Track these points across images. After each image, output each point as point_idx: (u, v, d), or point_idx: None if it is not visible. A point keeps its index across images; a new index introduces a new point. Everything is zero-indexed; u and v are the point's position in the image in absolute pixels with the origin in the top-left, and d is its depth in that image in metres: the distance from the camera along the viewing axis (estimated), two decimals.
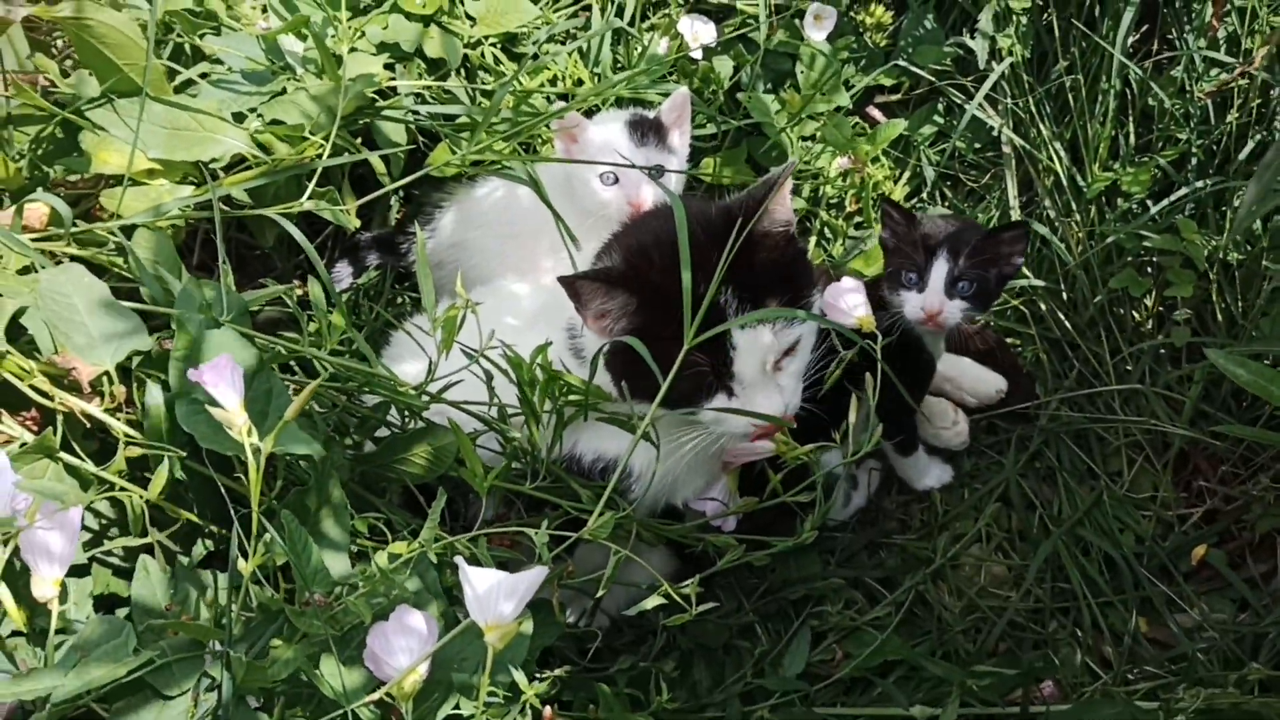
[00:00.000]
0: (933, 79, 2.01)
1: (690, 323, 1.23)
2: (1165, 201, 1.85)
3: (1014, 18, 1.92)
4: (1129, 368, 1.84)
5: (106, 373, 1.23)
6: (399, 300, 2.07)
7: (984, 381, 1.85)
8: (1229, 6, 1.82)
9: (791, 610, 1.72)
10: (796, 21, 1.96)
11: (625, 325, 1.31)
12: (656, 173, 1.71)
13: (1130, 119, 1.93)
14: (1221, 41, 1.89)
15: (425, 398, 1.39)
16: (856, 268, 1.96)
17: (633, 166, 1.63)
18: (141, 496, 1.09)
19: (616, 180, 1.70)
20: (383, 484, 1.45)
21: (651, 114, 1.77)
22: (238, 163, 1.53)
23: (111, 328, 1.23)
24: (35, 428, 1.27)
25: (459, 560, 1.02)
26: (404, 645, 1.06)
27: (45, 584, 1.03)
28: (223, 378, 1.08)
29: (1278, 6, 1.86)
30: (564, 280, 1.29)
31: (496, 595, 1.01)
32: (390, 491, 1.47)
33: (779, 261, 1.35)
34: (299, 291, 2.01)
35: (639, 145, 1.72)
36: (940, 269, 1.56)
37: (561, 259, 1.77)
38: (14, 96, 1.39)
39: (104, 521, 1.27)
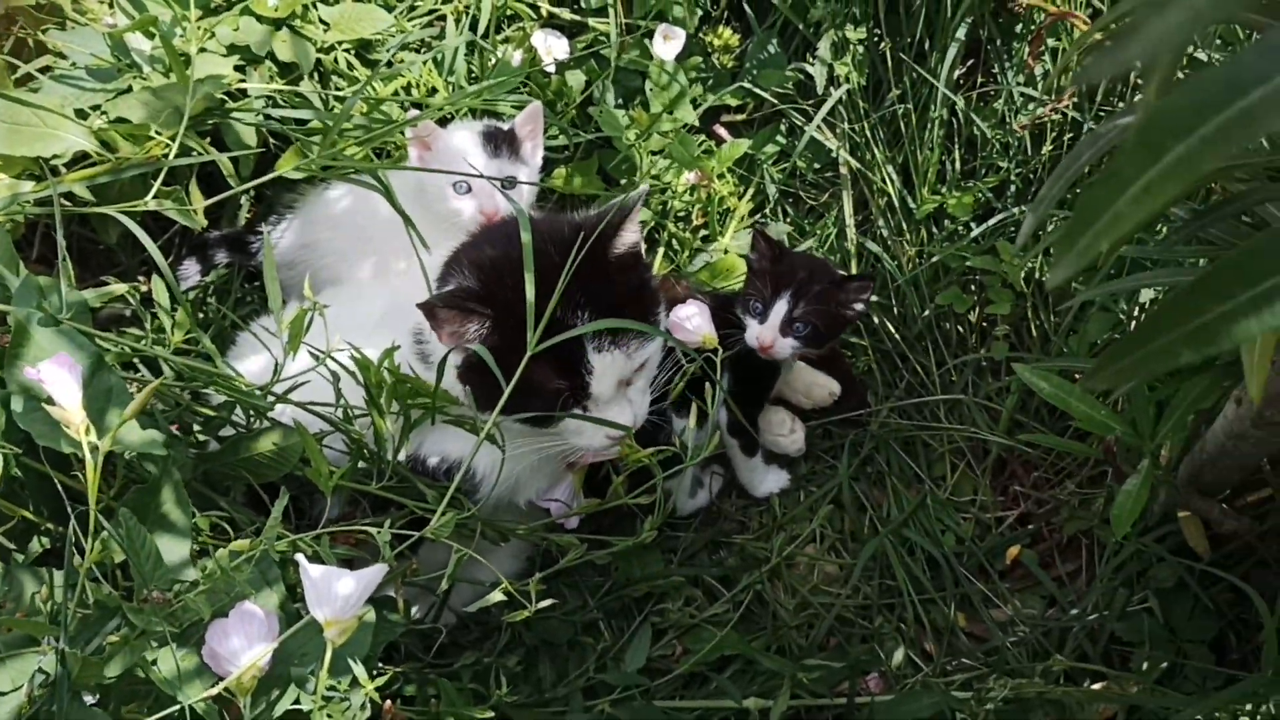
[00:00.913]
0: (775, 101, 2.10)
1: (534, 329, 1.28)
2: (986, 225, 1.96)
3: (850, 47, 2.02)
4: (953, 379, 1.95)
5: None
6: (248, 300, 2.06)
7: (818, 385, 1.94)
8: (1044, 47, 1.95)
9: (634, 607, 1.77)
10: (646, 41, 2.02)
11: (479, 341, 1.35)
12: (509, 183, 1.75)
13: (956, 146, 2.05)
14: (1038, 78, 2.02)
15: (270, 398, 1.40)
16: (702, 278, 2.04)
17: (484, 177, 1.67)
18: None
19: (470, 189, 1.74)
20: (227, 483, 1.46)
21: (505, 126, 1.81)
22: (81, 159, 1.51)
23: None
24: None
25: (299, 557, 1.04)
26: (243, 640, 1.07)
27: None
28: (60, 376, 1.08)
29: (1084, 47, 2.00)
30: (423, 306, 1.33)
31: (335, 591, 1.04)
32: (235, 490, 1.47)
33: (629, 282, 1.42)
34: (144, 289, 2.00)
35: (492, 156, 1.76)
36: (781, 308, 1.72)
37: (412, 263, 1.79)
38: None
39: None
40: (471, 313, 1.33)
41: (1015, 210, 1.95)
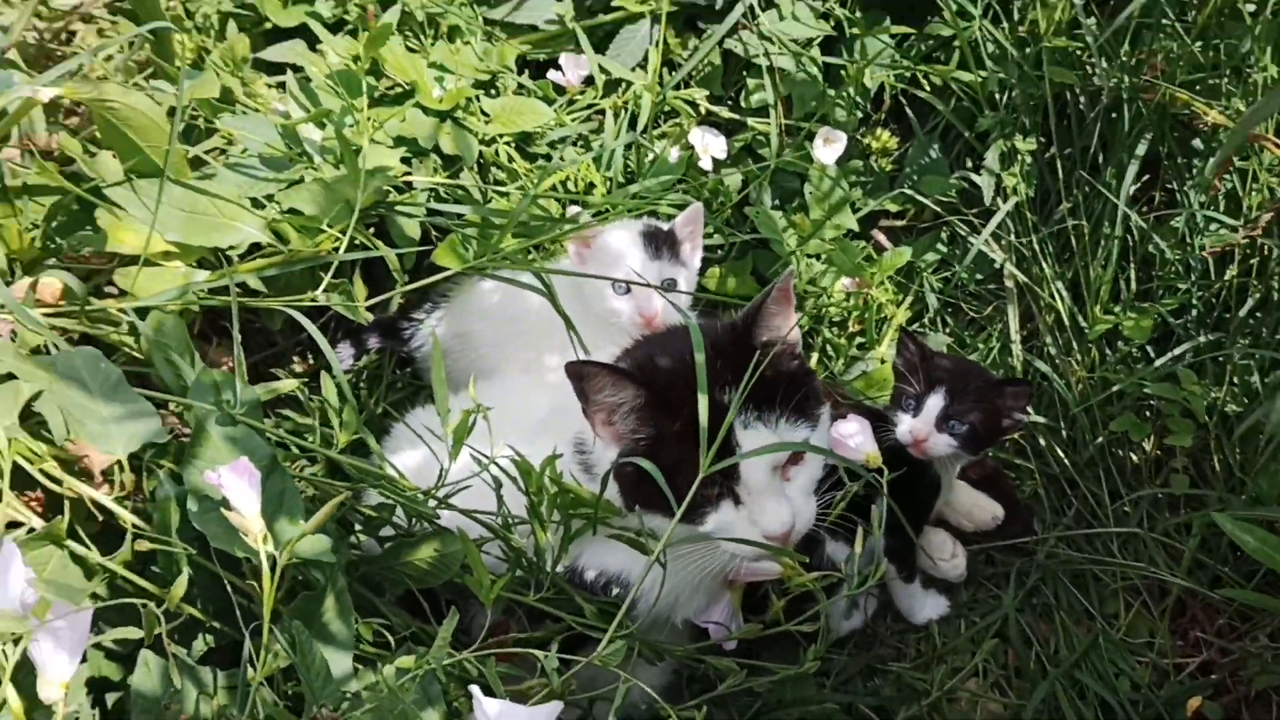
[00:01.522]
0: (937, 209, 2.03)
1: (707, 447, 1.21)
2: (1167, 357, 1.86)
3: (1019, 157, 1.95)
4: (1128, 510, 1.84)
5: (118, 461, 1.18)
6: (398, 385, 2.04)
7: (980, 507, 1.85)
8: (1231, 168, 1.87)
9: None
10: (806, 142, 1.98)
11: (632, 424, 1.30)
12: (668, 285, 1.70)
13: (1131, 265, 1.95)
14: (1221, 198, 1.93)
15: (434, 503, 1.36)
16: (858, 387, 1.96)
17: (646, 284, 1.63)
18: (159, 607, 1.03)
19: (628, 290, 1.69)
20: (383, 582, 1.41)
21: (665, 226, 1.77)
22: (253, 248, 1.50)
23: (125, 416, 1.18)
24: (40, 509, 1.22)
25: (474, 690, 0.98)
26: None
27: (52, 686, 0.97)
28: (240, 484, 1.05)
29: (1276, 169, 1.91)
30: (570, 366, 1.28)
31: None
32: (390, 591, 1.42)
33: (784, 373, 1.35)
34: (298, 368, 1.98)
35: (652, 257, 1.72)
36: (935, 403, 1.63)
37: (567, 357, 1.75)
38: (36, 171, 1.35)
39: (101, 602, 1.21)
40: (623, 379, 1.27)
41: (1199, 339, 1.85)
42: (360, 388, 1.95)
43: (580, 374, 1.28)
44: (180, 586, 1.03)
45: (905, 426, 1.64)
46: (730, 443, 1.27)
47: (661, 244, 1.74)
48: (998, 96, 2.00)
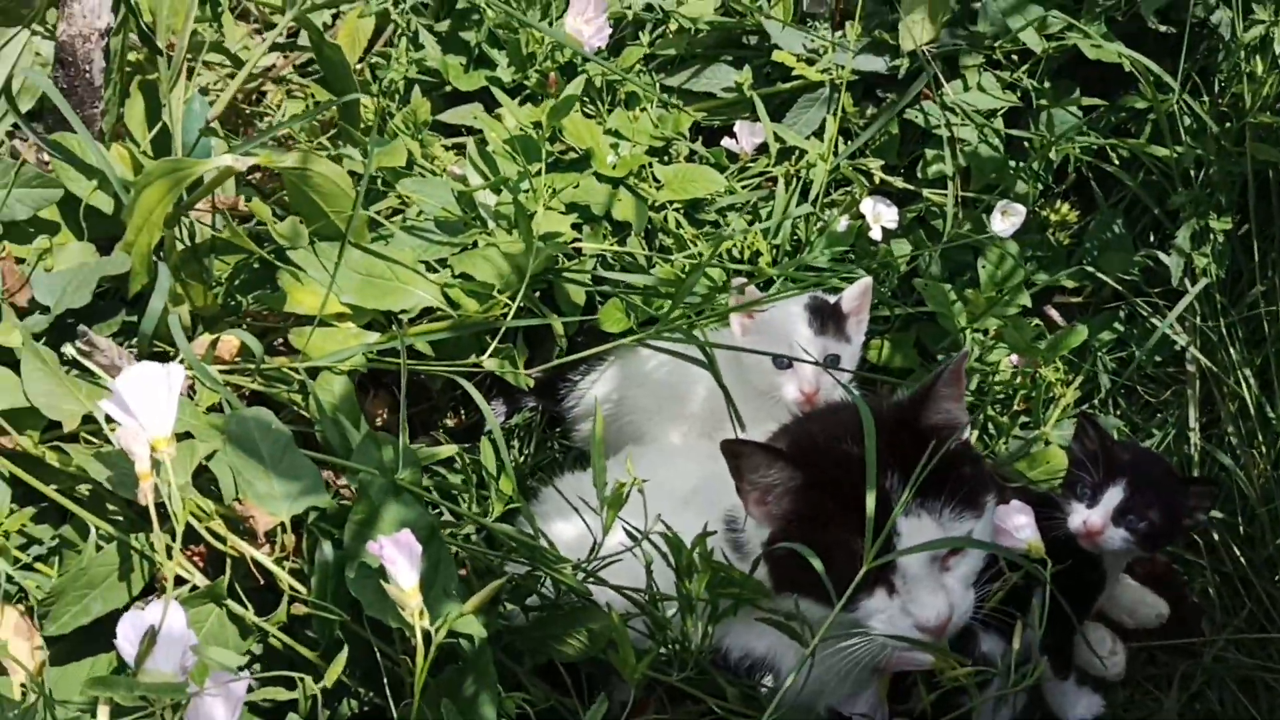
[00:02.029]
0: (1118, 287, 1.95)
1: (871, 540, 1.19)
2: None
3: (1212, 236, 1.86)
4: None
5: (281, 522, 1.23)
6: (548, 444, 2.07)
7: (1145, 604, 1.76)
8: None
9: None
10: (983, 215, 1.93)
11: (787, 506, 1.28)
12: (831, 362, 1.68)
13: None
14: None
15: (583, 575, 1.37)
16: (1020, 469, 1.90)
17: (810, 361, 1.61)
18: (309, 668, 1.07)
19: (790, 366, 1.68)
20: (524, 652, 1.42)
21: (832, 299, 1.74)
22: (424, 311, 1.54)
23: (293, 479, 1.23)
24: (201, 563, 1.27)
25: None
26: None
27: None
28: (402, 555, 1.07)
29: None
30: (726, 444, 1.27)
31: None
32: (530, 659, 1.44)
33: (951, 459, 1.30)
34: (450, 422, 2.03)
35: (818, 332, 1.70)
36: (1114, 495, 1.56)
37: (721, 431, 1.75)
38: (227, 234, 1.43)
39: (250, 655, 1.26)
40: (778, 459, 1.26)
41: None
42: (511, 445, 1.98)
43: (736, 452, 1.28)
44: (339, 664, 1.07)
45: (1079, 517, 1.57)
46: (890, 532, 1.25)
47: (827, 318, 1.72)
48: (1192, 173, 1.91)
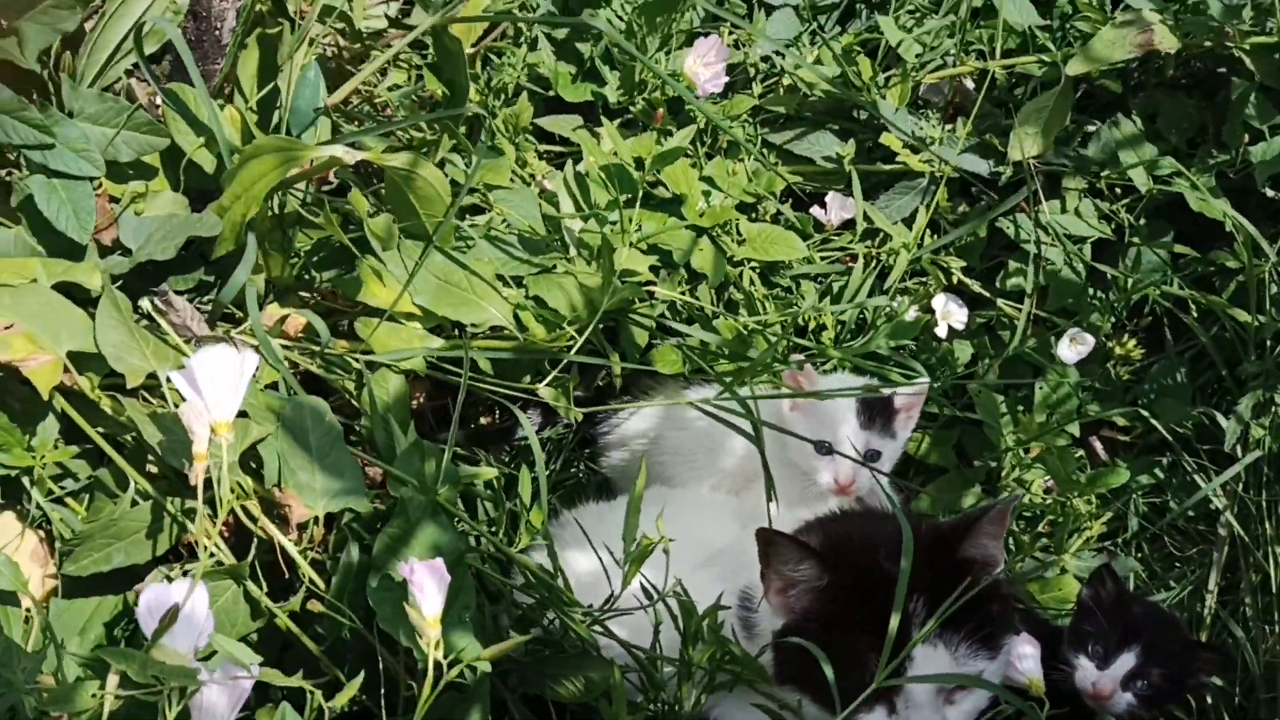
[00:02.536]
0: (1168, 436, 1.94)
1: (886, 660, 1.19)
2: None
3: (1274, 410, 1.85)
4: None
5: (315, 516, 1.24)
6: (574, 464, 2.07)
7: None
8: None
9: None
10: (1052, 337, 1.92)
11: (806, 603, 1.29)
12: (871, 457, 1.68)
13: None
14: None
15: (591, 622, 1.37)
16: (1031, 589, 1.90)
17: (849, 456, 1.62)
18: (328, 702, 1.08)
19: (830, 453, 1.68)
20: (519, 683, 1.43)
21: (886, 392, 1.74)
22: (490, 325, 1.55)
23: (336, 476, 1.24)
24: (227, 533, 1.28)
25: None
26: None
27: None
28: (432, 582, 1.08)
29: None
30: (761, 533, 1.28)
31: None
32: (520, 687, 1.45)
33: (979, 595, 1.30)
34: (484, 420, 2.04)
35: (863, 426, 1.69)
36: (1128, 660, 1.55)
37: (752, 492, 1.75)
38: (320, 222, 1.44)
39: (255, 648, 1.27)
40: (809, 556, 1.26)
41: None
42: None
43: (768, 540, 1.29)
44: (352, 688, 1.08)
45: (1089, 677, 1.56)
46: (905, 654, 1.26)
47: (876, 413, 1.71)
48: (1269, 344, 1.90)
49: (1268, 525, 1.87)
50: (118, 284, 1.32)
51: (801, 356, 1.74)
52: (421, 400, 1.82)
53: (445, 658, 1.09)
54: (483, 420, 2.03)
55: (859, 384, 1.76)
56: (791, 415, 1.73)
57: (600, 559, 1.41)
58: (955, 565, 1.28)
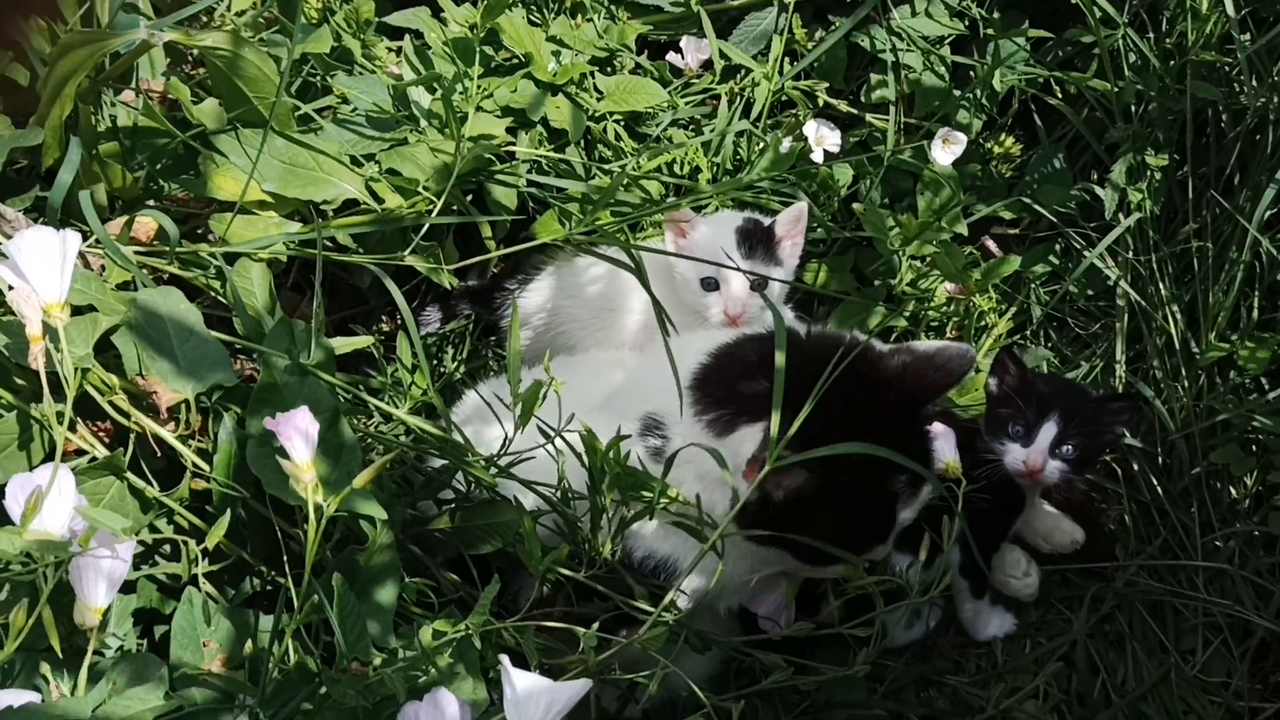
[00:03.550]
0: (1054, 219, 1.96)
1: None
2: None
3: (1148, 173, 1.87)
4: (1219, 545, 1.76)
5: (186, 400, 1.23)
6: (481, 352, 2.07)
7: (1061, 530, 1.80)
8: None
9: None
10: (925, 142, 1.93)
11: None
12: (758, 285, 1.68)
13: (1256, 292, 1.85)
14: None
15: (494, 471, 1.37)
16: (949, 396, 1.91)
17: (738, 270, 1.61)
18: (199, 545, 1.07)
19: (717, 287, 1.68)
20: (437, 546, 1.43)
21: (766, 222, 1.74)
22: (347, 204, 1.53)
23: (198, 358, 1.23)
24: (107, 439, 1.27)
25: (504, 660, 0.99)
26: None
27: (87, 612, 1.01)
28: (298, 431, 1.07)
29: None
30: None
31: (537, 702, 0.98)
32: (441, 553, 1.45)
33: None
34: (386, 328, 2.02)
35: (746, 255, 1.69)
36: (1050, 429, 1.60)
37: (654, 342, 1.75)
38: (142, 113, 1.41)
39: (157, 538, 1.26)
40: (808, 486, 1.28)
41: None
42: (444, 352, 1.98)
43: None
44: (221, 527, 1.07)
45: (1018, 456, 1.61)
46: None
47: (758, 241, 1.71)
48: (1133, 109, 1.91)
49: (1162, 286, 1.90)
50: None
51: (675, 199, 1.73)
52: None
53: (325, 501, 1.08)
54: (384, 328, 2.02)
55: (738, 220, 1.76)
56: (682, 265, 1.72)
57: (497, 416, 1.41)
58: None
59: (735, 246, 1.70)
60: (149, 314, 1.22)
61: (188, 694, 0.99)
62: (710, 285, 1.69)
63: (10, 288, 1.07)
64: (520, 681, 0.98)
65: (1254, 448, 1.80)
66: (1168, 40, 1.93)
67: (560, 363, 1.67)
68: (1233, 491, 1.80)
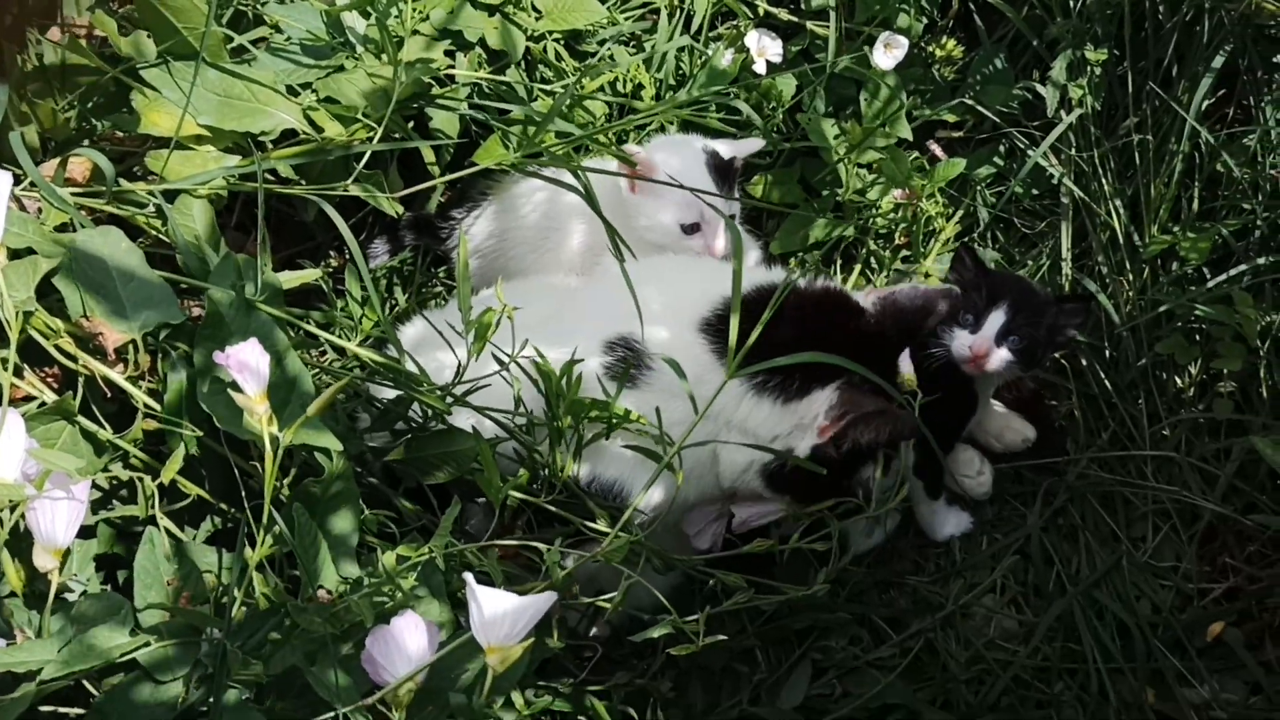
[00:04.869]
0: (997, 120, 1.96)
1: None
2: (1222, 278, 1.80)
3: (1088, 69, 1.87)
4: (1166, 433, 1.80)
5: (133, 340, 1.22)
6: (431, 283, 2.06)
7: (1012, 429, 1.83)
8: None
9: (794, 639, 1.70)
10: (866, 48, 1.92)
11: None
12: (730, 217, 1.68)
13: (1196, 183, 1.88)
14: None
15: (449, 399, 1.37)
16: None
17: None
18: (154, 481, 1.07)
19: (699, 228, 1.68)
20: (398, 476, 1.44)
21: (724, 152, 1.73)
22: (286, 135, 1.51)
23: (142, 297, 1.22)
24: (56, 385, 1.26)
25: (468, 578, 1.00)
26: (403, 652, 1.04)
27: (47, 555, 1.01)
28: (248, 364, 1.06)
29: None
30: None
31: (503, 619, 0.99)
32: (403, 484, 1.45)
33: None
34: (335, 263, 2.01)
35: (719, 190, 1.68)
36: (997, 317, 1.61)
37: (601, 262, 1.75)
38: (68, 49, 1.38)
39: (115, 483, 1.26)
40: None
41: (1260, 261, 1.77)
42: (394, 284, 1.97)
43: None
44: (175, 462, 1.07)
45: (964, 342, 1.61)
46: None
47: (724, 177, 1.71)
48: (1071, 4, 1.91)
49: (1104, 182, 1.91)
50: None
51: (635, 148, 1.70)
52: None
53: (280, 432, 1.08)
54: (333, 263, 2.01)
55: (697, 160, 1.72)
56: (640, 198, 1.70)
57: (449, 344, 1.40)
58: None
59: (709, 182, 1.69)
60: (89, 255, 1.21)
61: (153, 629, 1.00)
62: (692, 229, 1.69)
63: None
64: (485, 599, 0.99)
65: (1198, 337, 1.83)
66: None
67: (511, 286, 1.66)
68: (1178, 381, 1.84)
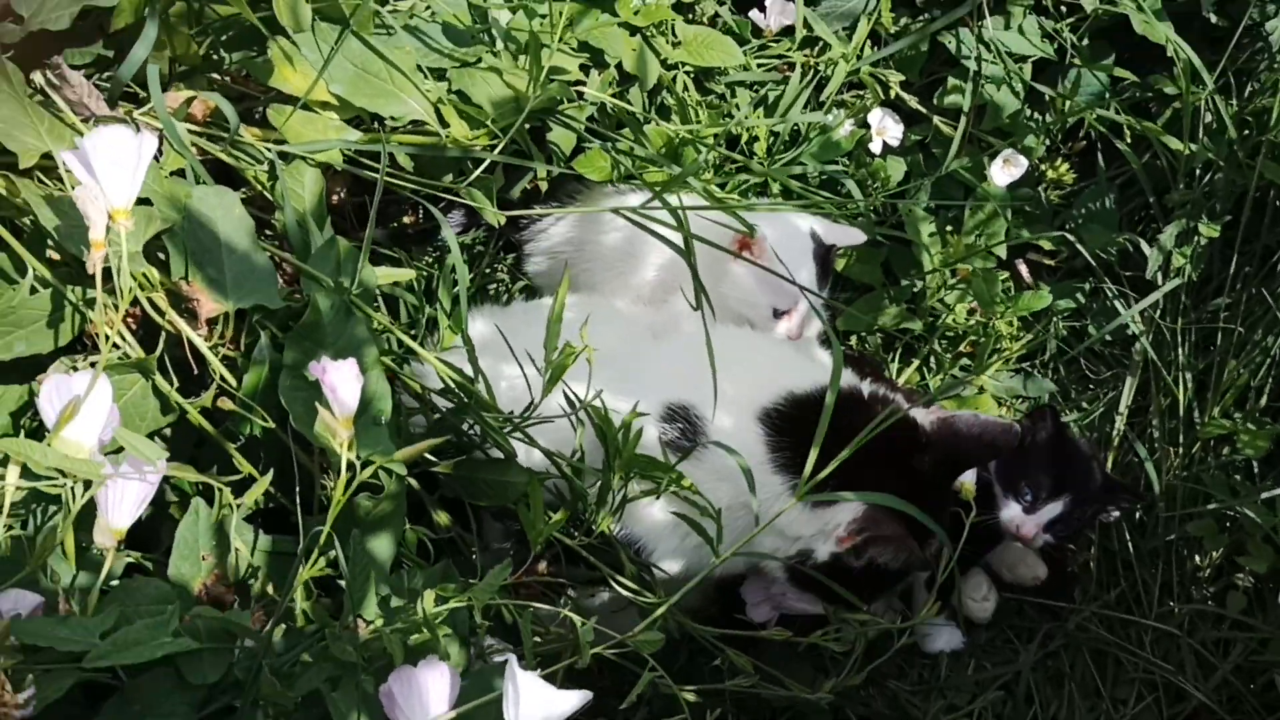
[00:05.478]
0: (1092, 261, 1.95)
1: None
2: (1271, 479, 1.80)
3: (1196, 239, 1.86)
4: (1174, 607, 1.81)
5: (225, 313, 1.20)
6: (495, 269, 2.04)
7: (1026, 564, 1.84)
8: None
9: (770, 714, 1.71)
10: (985, 158, 1.90)
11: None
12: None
13: (1271, 377, 1.87)
14: None
15: (511, 429, 1.36)
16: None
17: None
18: (237, 502, 1.06)
19: (788, 313, 1.68)
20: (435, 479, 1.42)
21: (825, 238, 1.71)
22: (411, 124, 1.47)
23: (245, 272, 1.19)
24: (134, 325, 1.23)
25: (511, 660, 0.99)
26: (423, 700, 1.03)
27: (107, 534, 1.00)
28: (345, 383, 1.04)
29: None
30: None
31: (537, 709, 0.99)
32: (439, 489, 1.44)
33: None
34: (407, 220, 1.98)
35: (817, 278, 1.69)
36: (1055, 509, 1.66)
37: (670, 300, 1.73)
38: None
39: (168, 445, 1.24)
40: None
41: None
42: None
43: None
44: (262, 485, 1.06)
45: (1015, 519, 1.66)
46: None
47: (825, 265, 1.71)
48: (1198, 173, 1.90)
49: (1180, 352, 1.90)
50: (8, 54, 1.23)
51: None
52: (342, 196, 1.75)
53: (358, 459, 1.06)
54: (405, 220, 1.98)
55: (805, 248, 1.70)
56: (736, 269, 1.67)
57: (523, 371, 1.38)
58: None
59: (811, 271, 1.69)
60: (203, 217, 1.18)
61: (192, 629, 0.99)
62: (780, 314, 1.69)
63: (79, 181, 1.03)
64: (525, 687, 0.98)
65: (1228, 524, 1.83)
66: (1247, 112, 1.90)
67: (574, 302, 1.63)
68: (1198, 558, 1.84)
